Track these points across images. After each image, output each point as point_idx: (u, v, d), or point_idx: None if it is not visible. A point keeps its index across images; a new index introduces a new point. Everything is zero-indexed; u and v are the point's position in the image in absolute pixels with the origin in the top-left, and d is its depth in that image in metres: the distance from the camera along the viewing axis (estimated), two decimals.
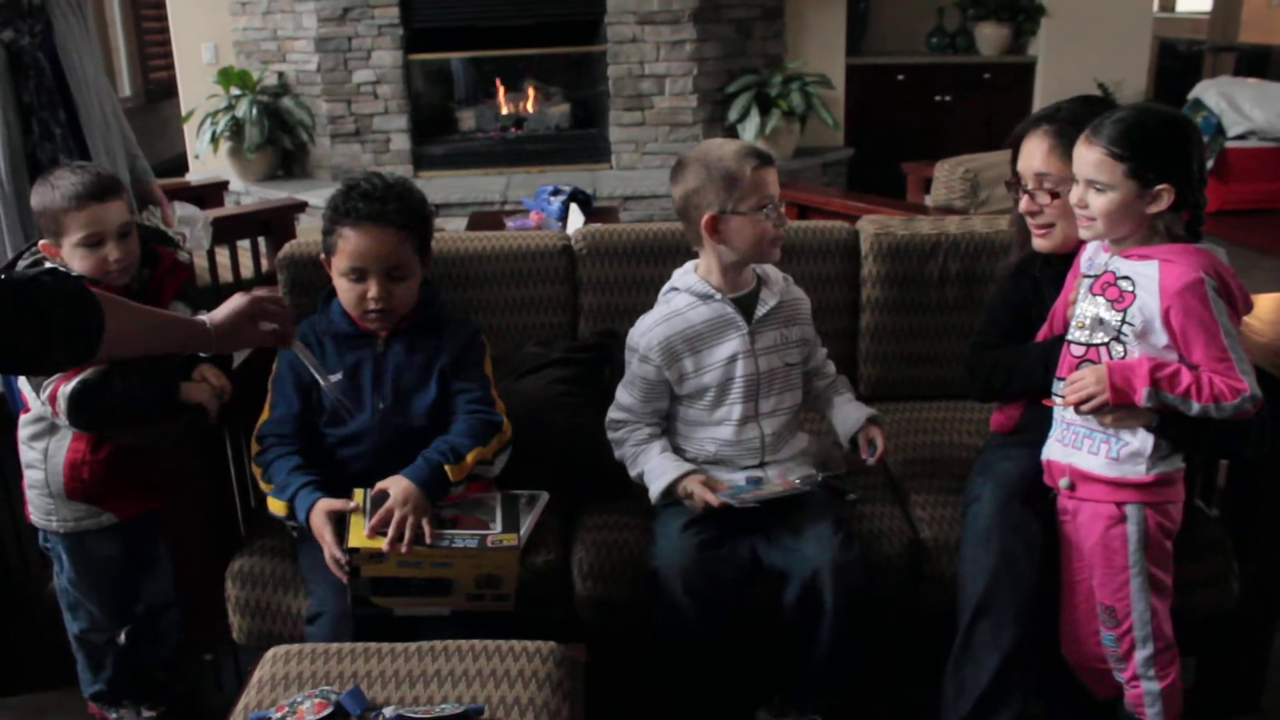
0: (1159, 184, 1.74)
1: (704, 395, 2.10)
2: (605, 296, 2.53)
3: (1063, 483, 1.90)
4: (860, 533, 2.08)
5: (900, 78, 6.72)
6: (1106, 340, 1.81)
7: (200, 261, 3.62)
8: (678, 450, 2.12)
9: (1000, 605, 1.92)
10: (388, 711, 1.52)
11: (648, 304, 2.19)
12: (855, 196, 4.20)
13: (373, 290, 1.97)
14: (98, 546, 2.12)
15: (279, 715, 1.52)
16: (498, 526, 1.92)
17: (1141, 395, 1.75)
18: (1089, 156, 1.78)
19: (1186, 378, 1.74)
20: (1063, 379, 1.87)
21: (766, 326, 2.12)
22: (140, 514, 2.12)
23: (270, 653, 1.70)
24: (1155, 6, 7.92)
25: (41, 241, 2.04)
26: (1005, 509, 1.95)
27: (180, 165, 6.37)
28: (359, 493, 1.91)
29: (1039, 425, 2.06)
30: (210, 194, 4.37)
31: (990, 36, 6.68)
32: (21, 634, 2.37)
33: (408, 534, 1.85)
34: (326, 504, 1.90)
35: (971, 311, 2.50)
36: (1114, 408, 1.78)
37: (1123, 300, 1.79)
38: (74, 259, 2.01)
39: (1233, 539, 2.10)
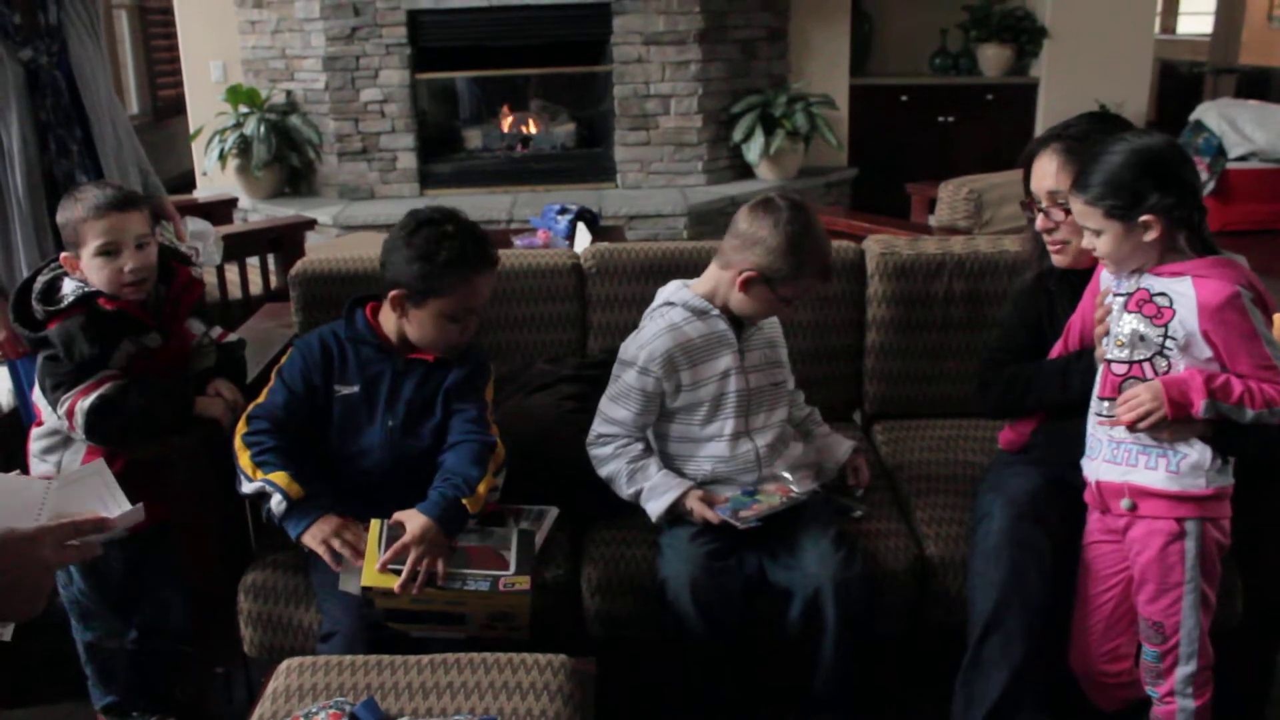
0: (1140, 216, 1.78)
1: (697, 410, 2.12)
2: (615, 314, 2.55)
3: (1124, 504, 1.87)
4: (866, 549, 2.10)
5: (904, 98, 6.76)
6: (1149, 356, 1.82)
7: (210, 278, 3.64)
8: (675, 472, 2.13)
9: (1010, 621, 1.94)
10: None
11: None
12: (860, 216, 4.23)
13: (470, 328, 2.05)
14: (106, 559, 2.10)
15: None
16: (511, 568, 1.91)
17: (1200, 407, 1.76)
18: (1075, 207, 1.87)
19: (1238, 386, 1.76)
20: (1107, 399, 1.87)
21: (754, 345, 2.16)
22: (150, 525, 2.12)
23: (284, 664, 1.72)
24: (1157, 28, 7.97)
25: (63, 255, 2.07)
26: (1015, 526, 1.97)
27: (188, 182, 6.40)
28: (375, 524, 1.91)
29: (1048, 443, 2.08)
30: (219, 210, 4.39)
31: (993, 58, 6.72)
32: (32, 647, 2.38)
33: (421, 575, 1.86)
34: (321, 536, 1.92)
35: (977, 331, 2.52)
36: (1170, 422, 1.79)
37: (1162, 316, 1.81)
38: (91, 270, 2.02)
39: (1237, 556, 2.12)
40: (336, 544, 1.92)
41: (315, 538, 1.93)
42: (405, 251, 1.99)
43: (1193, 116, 6.73)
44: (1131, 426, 1.81)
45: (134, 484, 2.02)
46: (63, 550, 1.22)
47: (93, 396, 1.96)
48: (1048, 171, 2.05)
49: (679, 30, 5.78)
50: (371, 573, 1.87)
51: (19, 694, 2.39)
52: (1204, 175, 6.22)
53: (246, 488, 1.99)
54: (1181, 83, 9.06)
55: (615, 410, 2.14)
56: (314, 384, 2.05)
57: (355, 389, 2.05)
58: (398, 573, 1.86)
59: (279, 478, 1.95)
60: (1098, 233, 1.83)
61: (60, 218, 2.07)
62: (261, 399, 2.06)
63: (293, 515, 1.94)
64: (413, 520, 1.90)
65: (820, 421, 2.33)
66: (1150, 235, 1.79)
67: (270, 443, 1.99)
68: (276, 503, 1.94)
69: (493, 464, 2.03)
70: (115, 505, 1.38)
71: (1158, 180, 1.78)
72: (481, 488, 1.97)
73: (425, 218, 2.03)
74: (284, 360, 2.10)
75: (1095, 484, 1.92)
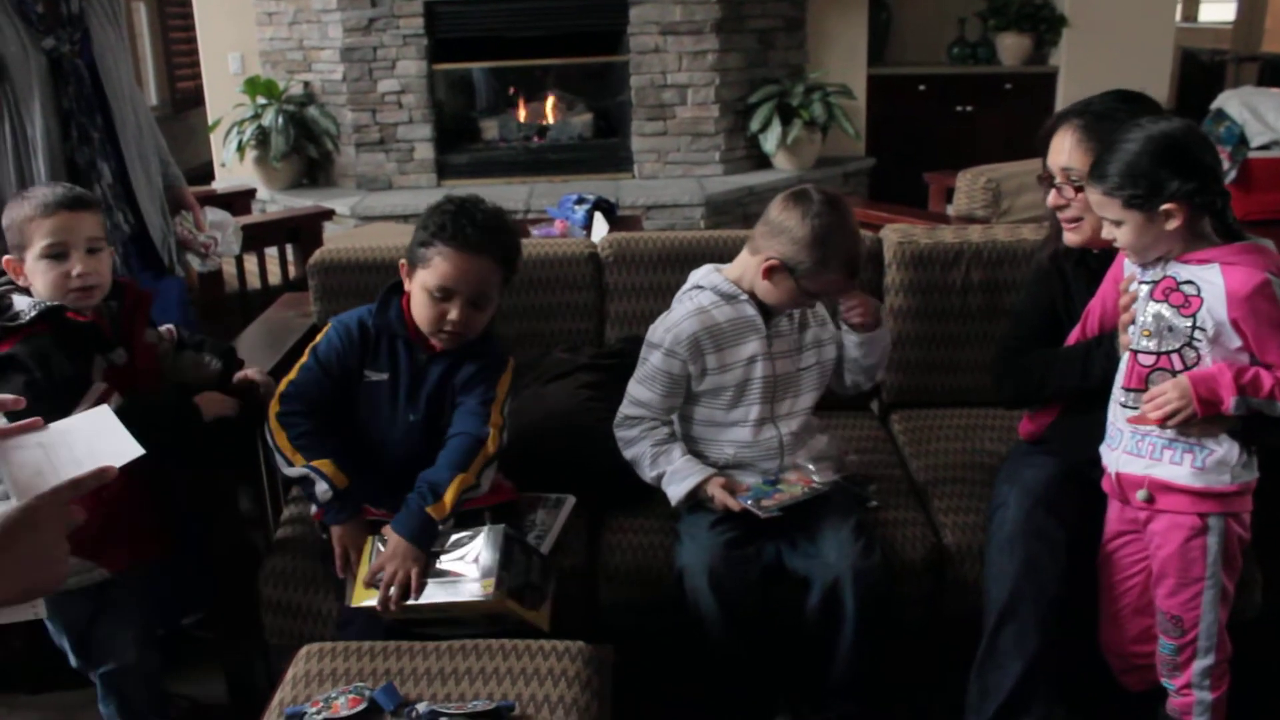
0: (1161, 205, 1.74)
1: (722, 394, 2.12)
2: (632, 303, 2.55)
3: (1140, 495, 1.85)
4: (883, 538, 2.10)
5: (921, 88, 6.72)
6: (1178, 347, 1.78)
7: (229, 268, 3.66)
8: (697, 455, 2.14)
9: (1024, 611, 1.93)
10: (421, 707, 1.54)
11: None
12: (878, 206, 4.23)
13: (454, 314, 1.97)
14: (74, 606, 1.96)
15: (314, 710, 1.55)
16: (477, 574, 1.86)
17: (1230, 404, 1.73)
18: (1092, 198, 1.82)
19: (1267, 380, 1.73)
20: (1131, 390, 1.84)
21: (783, 331, 2.15)
22: (131, 564, 1.98)
23: (304, 650, 1.73)
24: (1178, 16, 7.90)
25: (6, 257, 1.94)
26: (1030, 516, 1.96)
27: (206, 173, 6.43)
28: (369, 541, 1.94)
29: (1065, 433, 2.07)
30: (237, 201, 4.41)
31: (1012, 47, 6.69)
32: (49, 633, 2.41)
33: (394, 591, 1.85)
34: (343, 541, 1.96)
35: (995, 320, 2.51)
36: (1200, 419, 1.76)
37: (1189, 305, 1.77)
38: (36, 274, 1.89)
39: (1257, 547, 2.10)
40: (351, 556, 1.95)
41: (340, 539, 1.96)
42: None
43: (1214, 105, 6.65)
44: (1160, 424, 1.78)
45: (117, 519, 1.89)
46: (67, 511, 1.16)
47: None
48: (1063, 147, 2.02)
49: (696, 20, 5.77)
50: (359, 591, 1.89)
51: (39, 680, 2.41)
52: (1225, 164, 6.17)
53: (289, 471, 1.99)
54: (1203, 71, 8.98)
55: (641, 392, 2.14)
56: (347, 365, 2.05)
57: (384, 376, 2.05)
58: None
59: (324, 465, 1.96)
60: (1118, 223, 1.79)
61: (5, 218, 1.93)
62: (294, 375, 2.05)
63: (334, 505, 1.96)
64: (391, 536, 1.90)
65: None
66: (1172, 224, 1.75)
67: (307, 425, 2.00)
68: (322, 490, 1.96)
69: (479, 460, 1.99)
70: (119, 452, 1.28)
71: (1177, 167, 1.74)
72: (449, 494, 1.93)
73: (451, 197, 2.04)
74: (319, 339, 2.09)
75: (1115, 475, 1.90)
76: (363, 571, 1.90)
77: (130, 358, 1.98)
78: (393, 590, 1.85)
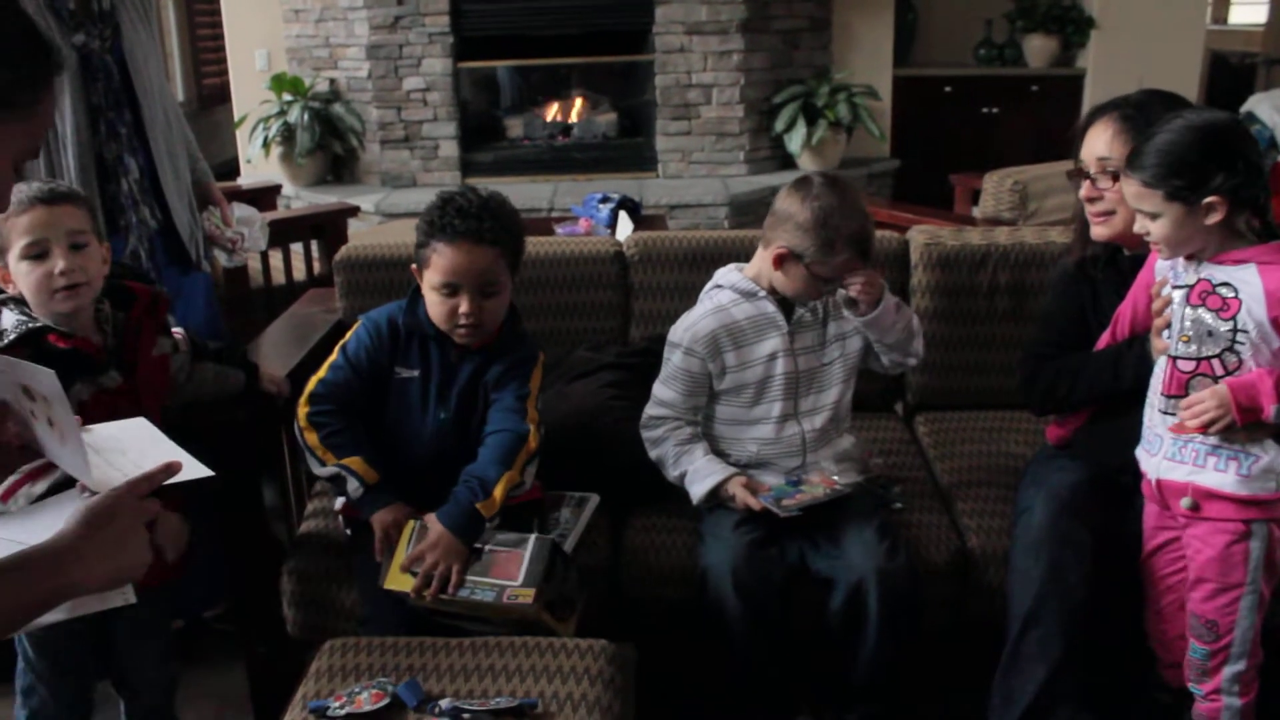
0: (1204, 198, 1.70)
1: (743, 391, 2.12)
2: (657, 302, 2.55)
3: (1185, 503, 1.81)
4: (907, 540, 2.09)
5: (947, 89, 6.69)
6: (1219, 352, 1.75)
7: (254, 264, 3.68)
8: (720, 453, 2.13)
9: (1049, 617, 1.92)
10: (444, 703, 1.55)
11: None
12: (903, 207, 4.20)
13: (464, 306, 1.96)
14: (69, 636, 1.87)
15: (338, 705, 1.56)
16: (520, 579, 1.86)
17: (1270, 413, 1.70)
18: (1130, 189, 1.77)
19: None
20: (1172, 397, 1.80)
21: (805, 327, 2.14)
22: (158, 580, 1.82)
23: (328, 645, 1.74)
24: (1208, 18, 7.84)
25: None
26: (1056, 521, 1.95)
27: (232, 170, 6.46)
28: (409, 525, 1.92)
29: (1094, 437, 2.05)
30: (263, 197, 4.43)
31: (1039, 48, 6.64)
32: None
33: (434, 583, 1.85)
34: (383, 522, 1.94)
35: (1021, 322, 2.50)
36: (1241, 426, 1.72)
37: (1228, 308, 1.73)
38: (19, 277, 1.78)
39: None
40: (390, 535, 1.93)
41: (380, 521, 1.95)
42: None
43: (1244, 108, 6.61)
44: (1200, 431, 1.75)
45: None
46: (143, 503, 1.21)
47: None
48: (1102, 138, 1.99)
49: (721, 20, 5.76)
50: (394, 574, 1.88)
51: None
52: None
53: (320, 470, 2.00)
54: (1232, 74, 8.90)
55: (664, 392, 2.15)
56: (379, 362, 2.04)
57: (415, 374, 2.05)
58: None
59: (354, 463, 1.96)
60: (1154, 216, 1.74)
61: None
62: (323, 374, 2.05)
63: (367, 498, 1.96)
64: (434, 525, 1.90)
65: None
66: (1213, 218, 1.70)
67: (338, 424, 2.00)
68: (354, 488, 1.96)
69: (522, 456, 1.99)
70: (171, 453, 1.33)
71: (1224, 159, 1.69)
72: (498, 490, 1.93)
73: (441, 193, 2.04)
74: (348, 336, 2.09)
75: (1156, 482, 1.87)
76: (400, 556, 1.89)
77: (128, 377, 1.85)
78: (432, 582, 1.85)
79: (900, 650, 2.02)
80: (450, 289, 1.97)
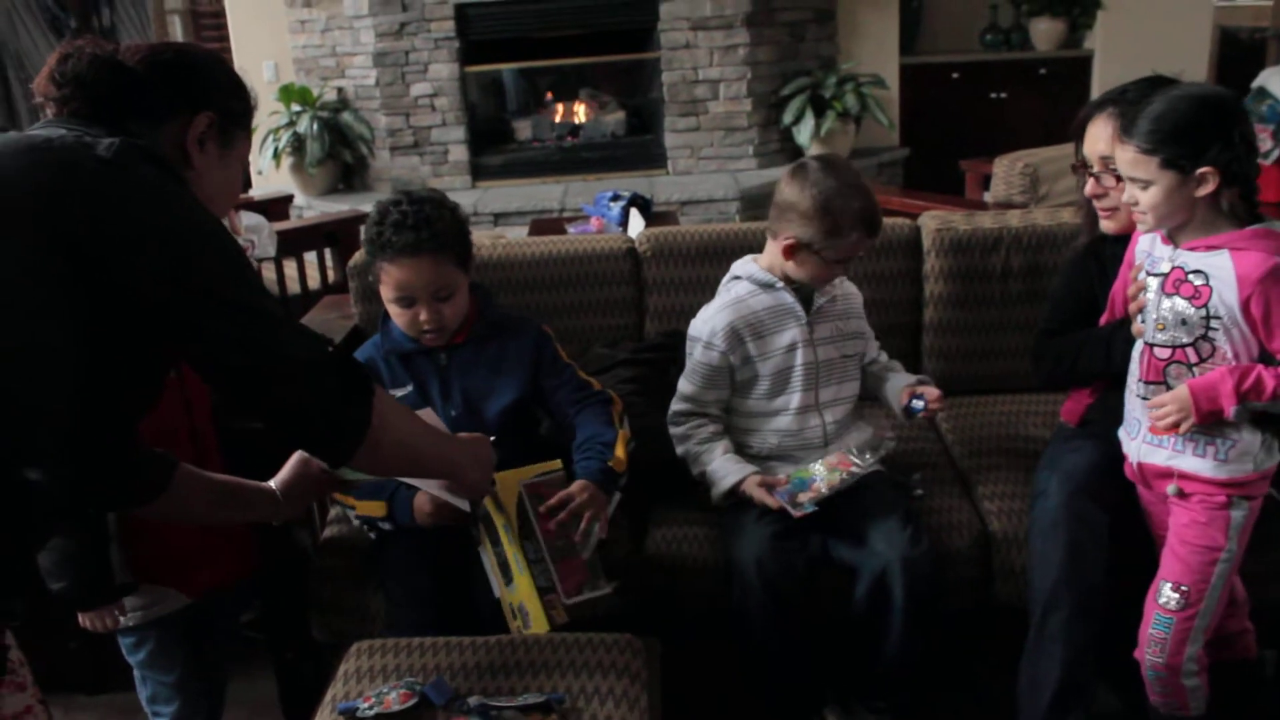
0: (1198, 168, 1.70)
1: (763, 382, 2.13)
2: (671, 298, 2.56)
3: (1170, 490, 1.84)
4: (929, 526, 2.09)
5: (955, 76, 6.67)
6: (1193, 340, 1.77)
7: (269, 273, 3.70)
8: (741, 445, 2.14)
9: (1069, 599, 1.92)
10: (471, 701, 1.55)
11: None
12: (914, 194, 4.20)
13: (423, 314, 2.01)
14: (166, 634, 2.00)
15: (366, 705, 1.56)
16: (562, 595, 1.81)
17: (1230, 413, 1.72)
18: (1123, 155, 1.76)
19: (1269, 382, 1.70)
20: (1150, 383, 1.83)
21: (824, 318, 2.15)
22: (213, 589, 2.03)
23: (355, 646, 1.75)
24: None
25: None
26: (1071, 502, 1.95)
27: (243, 181, 6.51)
28: (501, 498, 1.86)
29: (1105, 417, 2.05)
30: (275, 208, 4.46)
31: (1045, 31, 6.62)
32: (110, 634, 2.44)
33: (583, 524, 1.84)
34: (424, 516, 1.94)
35: (1035, 305, 2.49)
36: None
37: (1200, 296, 1.74)
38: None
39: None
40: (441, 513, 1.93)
41: (423, 516, 1.95)
42: None
43: (1255, 83, 6.56)
44: (1169, 433, 1.78)
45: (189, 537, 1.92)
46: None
47: None
48: (1102, 136, 2.00)
49: (726, 15, 5.76)
50: (507, 481, 1.83)
51: (99, 680, 2.45)
52: (1268, 143, 6.08)
53: (353, 517, 2.07)
54: (1242, 50, 8.84)
55: (686, 386, 2.16)
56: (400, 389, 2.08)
57: (409, 389, 2.08)
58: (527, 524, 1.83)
59: (373, 509, 2.00)
60: (1146, 184, 1.74)
61: None
62: None
63: (394, 518, 1.99)
64: (578, 482, 1.90)
65: (896, 368, 2.27)
66: (1204, 190, 1.70)
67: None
68: (386, 526, 2.01)
69: (617, 414, 2.07)
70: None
71: (1221, 130, 1.69)
72: (619, 449, 2.00)
73: (376, 205, 2.05)
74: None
75: (1137, 464, 1.89)
76: (514, 553, 1.82)
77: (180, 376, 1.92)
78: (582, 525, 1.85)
79: (925, 637, 2.02)
80: (405, 301, 2.01)
